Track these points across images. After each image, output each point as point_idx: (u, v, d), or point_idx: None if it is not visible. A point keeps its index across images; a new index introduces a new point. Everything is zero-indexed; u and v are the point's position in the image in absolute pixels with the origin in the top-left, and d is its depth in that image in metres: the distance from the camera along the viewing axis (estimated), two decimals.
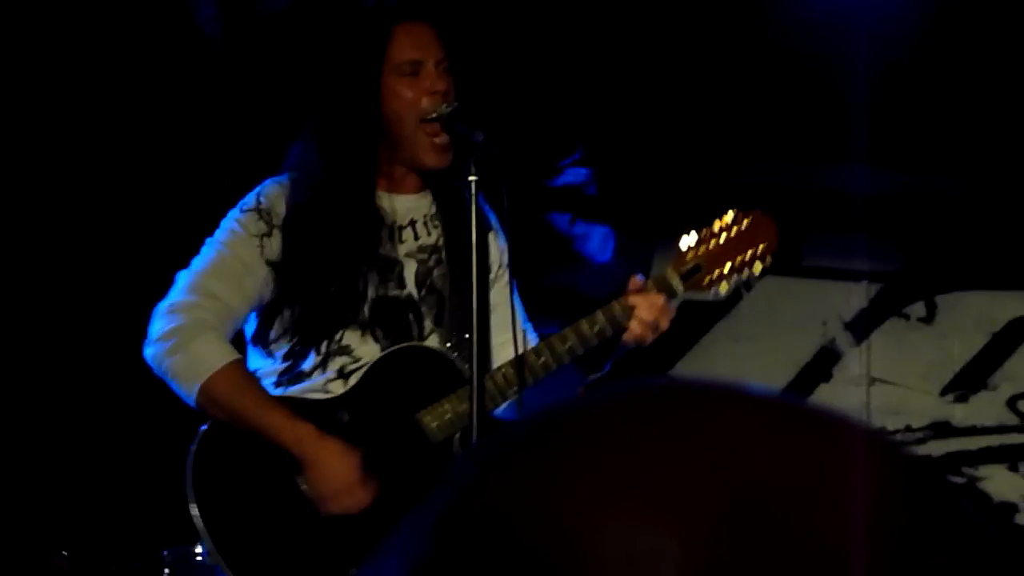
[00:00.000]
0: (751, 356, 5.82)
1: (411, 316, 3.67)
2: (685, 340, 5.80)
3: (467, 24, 4.23)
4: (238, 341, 3.70)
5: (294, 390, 3.58)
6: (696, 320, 5.76)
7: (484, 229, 3.63)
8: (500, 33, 5.13)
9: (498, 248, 3.81)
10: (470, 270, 3.40)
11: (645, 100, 5.52)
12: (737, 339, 5.88)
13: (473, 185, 3.42)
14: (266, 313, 3.64)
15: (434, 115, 3.55)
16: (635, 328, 3.58)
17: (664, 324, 3.60)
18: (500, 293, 3.77)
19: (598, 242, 5.67)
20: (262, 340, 3.67)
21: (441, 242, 3.72)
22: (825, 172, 5.65)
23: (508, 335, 3.60)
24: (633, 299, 3.60)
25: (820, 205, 5.63)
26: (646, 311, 3.58)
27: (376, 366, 3.58)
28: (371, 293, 3.61)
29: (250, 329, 3.68)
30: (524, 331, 3.73)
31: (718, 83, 5.39)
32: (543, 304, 4.19)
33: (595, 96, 5.50)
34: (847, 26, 5.01)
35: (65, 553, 4.27)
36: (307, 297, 3.58)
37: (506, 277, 3.80)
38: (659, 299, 3.59)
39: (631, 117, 5.57)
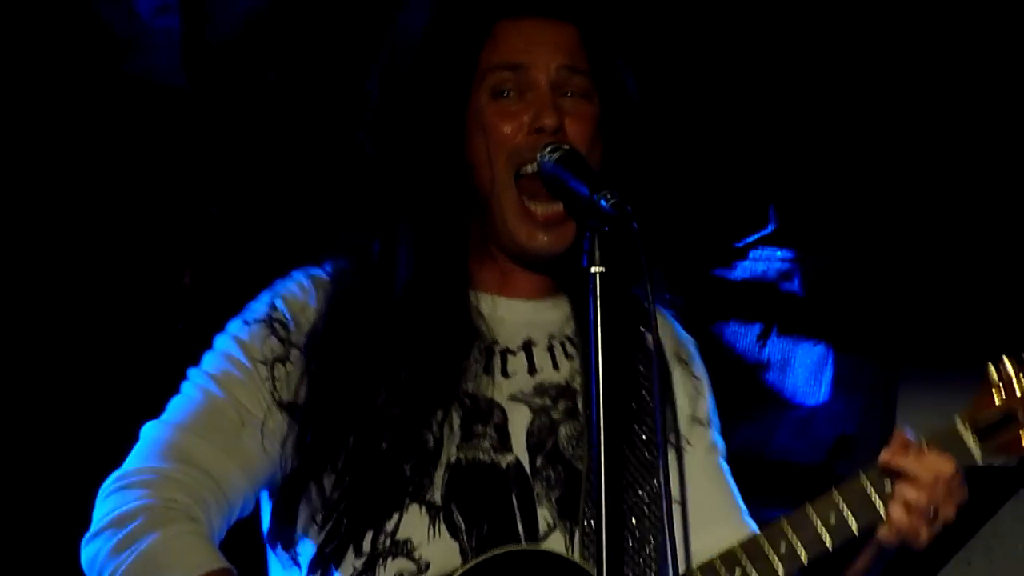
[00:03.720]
0: None
1: (515, 498, 2.98)
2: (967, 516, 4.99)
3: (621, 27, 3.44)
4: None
5: None
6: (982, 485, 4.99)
7: (658, 353, 2.98)
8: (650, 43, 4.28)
9: (689, 389, 3.17)
10: (629, 429, 2.92)
11: (874, 135, 4.74)
12: (968, 560, 5.12)
13: (597, 279, 2.67)
14: (286, 492, 3.01)
15: (530, 167, 2.93)
16: (897, 516, 2.89)
17: (950, 510, 2.90)
18: (700, 470, 3.12)
19: (807, 372, 4.93)
20: (283, 538, 3.03)
21: (579, 381, 3.07)
22: None
23: (715, 538, 2.97)
24: (896, 462, 2.94)
25: None
26: (917, 487, 2.89)
27: None
28: (448, 456, 2.98)
29: (266, 520, 3.07)
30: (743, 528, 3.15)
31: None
32: None
33: (796, 134, 4.78)
34: None
35: None
36: (343, 461, 2.97)
37: (707, 440, 3.17)
38: (942, 464, 2.90)
39: (856, 163, 4.77)
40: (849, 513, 2.96)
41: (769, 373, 4.98)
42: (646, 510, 3.04)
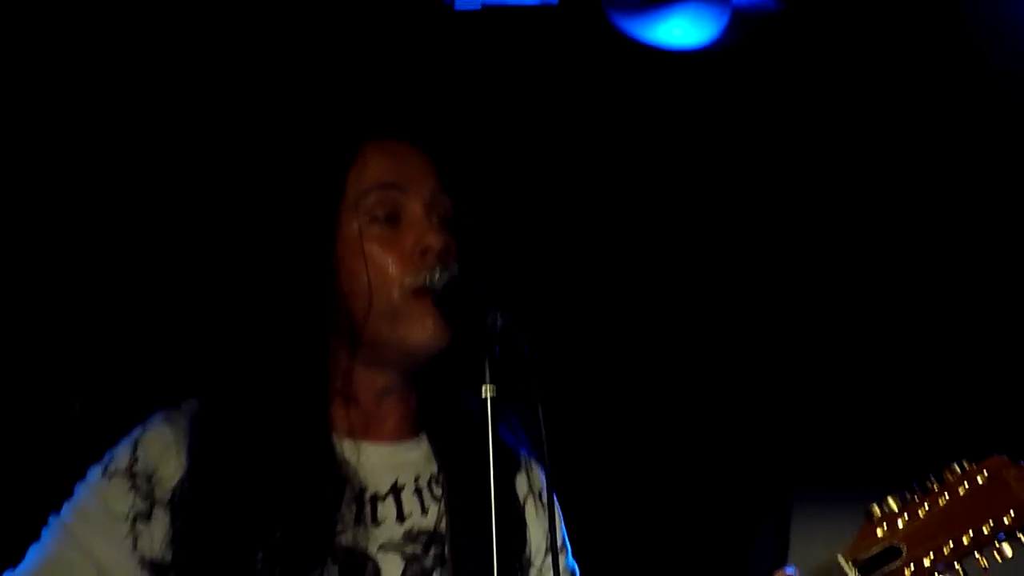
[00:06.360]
0: None
1: None
2: None
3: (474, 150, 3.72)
4: None
5: None
6: None
7: (511, 489, 3.00)
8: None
9: (540, 520, 3.04)
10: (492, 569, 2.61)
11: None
12: None
13: (489, 403, 2.61)
14: None
15: (423, 284, 2.84)
16: None
17: None
18: None
19: None
20: None
21: (445, 524, 2.94)
22: None
23: None
24: None
25: None
26: None
27: None
28: None
29: None
30: None
31: None
32: None
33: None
34: None
35: None
36: None
37: (560, 568, 3.01)
38: None
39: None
40: None
41: None
42: None
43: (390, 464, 2.95)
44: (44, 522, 2.88)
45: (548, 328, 3.23)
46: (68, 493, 2.95)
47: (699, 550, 4.74)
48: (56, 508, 2.89)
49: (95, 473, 2.85)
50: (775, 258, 4.74)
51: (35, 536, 2.89)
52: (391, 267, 2.85)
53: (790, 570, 2.96)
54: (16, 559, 2.88)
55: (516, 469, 3.04)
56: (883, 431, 4.63)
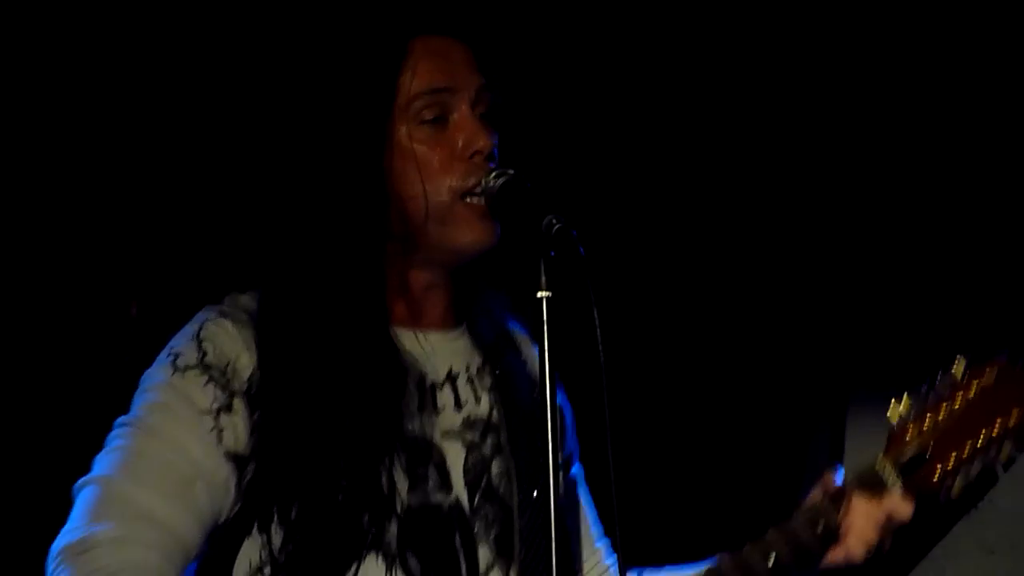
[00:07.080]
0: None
1: (458, 538, 2.90)
2: (910, 549, 4.84)
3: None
4: None
5: None
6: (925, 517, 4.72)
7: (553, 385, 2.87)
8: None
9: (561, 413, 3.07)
10: (544, 461, 2.60)
11: None
12: (991, 549, 4.88)
13: (545, 304, 2.61)
14: (227, 541, 2.84)
15: (476, 189, 2.85)
16: (837, 557, 2.95)
17: (887, 544, 2.97)
18: (569, 490, 3.15)
19: None
20: None
21: (496, 414, 2.99)
22: None
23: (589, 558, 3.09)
24: (828, 505, 2.96)
25: None
26: (859, 531, 2.95)
27: None
28: (400, 501, 2.86)
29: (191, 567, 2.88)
30: (600, 551, 3.15)
31: None
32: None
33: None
34: None
35: None
36: (297, 512, 2.80)
37: (571, 463, 3.17)
38: (878, 511, 2.95)
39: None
40: (791, 552, 2.96)
41: None
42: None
43: (444, 352, 2.99)
44: (106, 426, 2.84)
45: (594, 231, 3.21)
46: (130, 396, 2.87)
47: (754, 458, 4.77)
48: (121, 411, 2.84)
49: (162, 372, 2.84)
50: (839, 165, 4.73)
51: (97, 441, 2.83)
52: (440, 169, 2.89)
53: (840, 470, 3.01)
54: (80, 465, 2.81)
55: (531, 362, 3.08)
56: (938, 334, 4.63)
